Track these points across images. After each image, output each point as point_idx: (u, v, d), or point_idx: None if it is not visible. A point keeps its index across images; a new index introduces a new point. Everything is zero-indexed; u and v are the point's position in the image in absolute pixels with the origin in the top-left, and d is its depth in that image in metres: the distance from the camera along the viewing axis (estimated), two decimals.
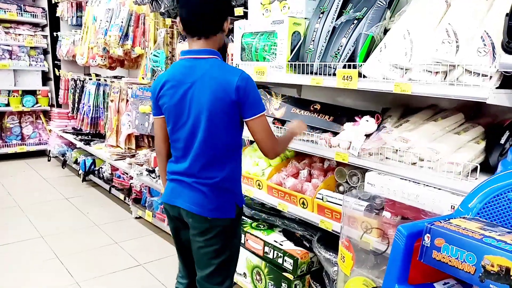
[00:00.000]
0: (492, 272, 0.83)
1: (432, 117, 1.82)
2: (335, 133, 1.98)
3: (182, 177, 1.61)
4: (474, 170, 1.46)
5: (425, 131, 1.68)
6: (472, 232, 0.91)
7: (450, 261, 0.91)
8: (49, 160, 5.76)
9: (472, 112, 1.87)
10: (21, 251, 3.08)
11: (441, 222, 0.97)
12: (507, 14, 1.25)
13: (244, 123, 1.58)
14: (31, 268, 2.83)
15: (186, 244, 1.72)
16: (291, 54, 2.10)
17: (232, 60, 2.50)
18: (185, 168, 1.60)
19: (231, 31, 2.55)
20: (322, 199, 1.96)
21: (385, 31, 1.83)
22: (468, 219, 1.02)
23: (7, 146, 5.65)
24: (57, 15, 5.66)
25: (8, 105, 5.60)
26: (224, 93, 1.49)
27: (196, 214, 1.58)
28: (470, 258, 0.87)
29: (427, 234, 0.96)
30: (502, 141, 1.54)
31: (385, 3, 1.81)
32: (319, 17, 2.01)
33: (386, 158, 1.68)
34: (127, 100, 4.20)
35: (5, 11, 5.55)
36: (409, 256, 1.01)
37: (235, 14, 2.56)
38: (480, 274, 0.85)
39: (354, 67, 1.77)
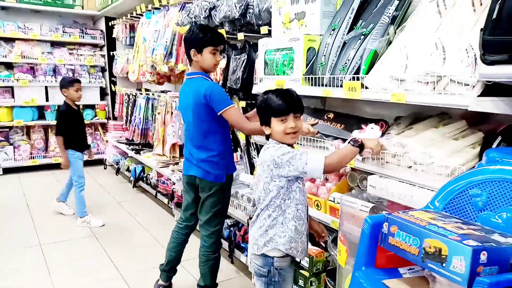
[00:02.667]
0: (430, 253, 0.97)
1: (435, 124, 1.92)
2: (345, 140, 2.13)
3: (190, 158, 2.50)
4: None
5: (423, 137, 1.79)
6: (421, 221, 1.05)
7: (401, 245, 1.06)
8: (105, 168, 6.30)
9: (477, 119, 1.95)
10: (77, 247, 3.49)
11: (399, 213, 1.12)
12: (481, 29, 1.37)
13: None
14: (83, 262, 3.21)
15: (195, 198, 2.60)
16: (306, 68, 2.29)
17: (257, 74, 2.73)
18: (189, 150, 2.50)
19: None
20: (334, 201, 2.11)
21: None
22: (427, 212, 1.16)
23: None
24: (113, 36, 6.26)
25: None
26: (198, 98, 2.32)
27: (203, 179, 2.42)
28: (415, 242, 1.02)
29: (385, 222, 1.11)
30: (494, 146, 1.62)
31: (388, 20, 1.96)
32: (331, 34, 2.19)
33: (386, 162, 1.82)
34: (172, 113, 4.57)
35: (70, 35, 6.22)
36: (374, 243, 1.16)
37: (261, 32, 2.80)
38: (422, 255, 1.00)
39: (359, 79, 1.93)
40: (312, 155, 1.66)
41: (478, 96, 1.47)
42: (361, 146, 1.75)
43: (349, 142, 1.79)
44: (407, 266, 1.19)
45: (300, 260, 2.32)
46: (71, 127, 3.89)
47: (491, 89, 1.51)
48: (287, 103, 1.70)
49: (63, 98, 3.96)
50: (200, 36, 2.39)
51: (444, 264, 0.95)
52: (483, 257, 0.91)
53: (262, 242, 1.76)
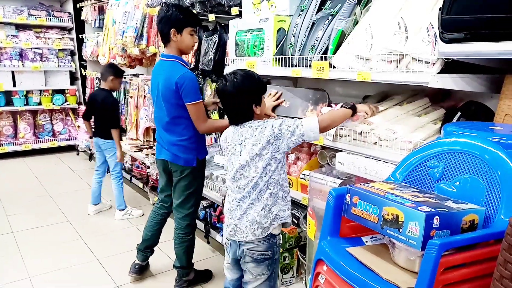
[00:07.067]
0: (388, 220, 1.04)
1: (400, 102, 1.99)
2: None
3: (161, 141, 2.48)
4: None
5: (388, 114, 1.86)
6: (380, 191, 1.11)
7: (362, 214, 1.12)
8: (77, 154, 6.20)
9: (440, 96, 2.04)
10: (51, 233, 3.46)
11: (361, 185, 1.18)
12: (440, 9, 1.43)
13: None
14: (59, 247, 3.19)
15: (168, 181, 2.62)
16: (276, 48, 2.31)
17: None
18: (159, 134, 2.49)
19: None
20: (305, 179, 2.17)
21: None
22: (387, 183, 1.22)
23: (40, 142, 6.14)
24: (82, 18, 6.08)
25: (40, 103, 6.08)
26: (170, 83, 2.28)
27: (173, 163, 2.43)
28: (374, 210, 1.08)
29: (348, 194, 1.17)
30: (454, 121, 1.71)
31: (355, 0, 2.00)
32: (299, 14, 2.21)
33: (353, 139, 1.88)
34: (145, 96, 4.52)
35: (36, 17, 6.00)
36: (338, 213, 1.22)
37: (232, 13, 2.80)
38: (381, 223, 1.06)
39: (327, 59, 1.97)
40: (305, 119, 1.70)
41: (438, 73, 1.54)
42: (353, 108, 1.79)
43: (342, 106, 1.81)
44: (370, 235, 1.26)
45: None
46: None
47: (452, 66, 1.57)
48: None
49: (104, 85, 3.68)
50: (181, 16, 2.33)
51: (400, 230, 1.01)
52: (436, 221, 0.98)
53: (267, 222, 1.69)
